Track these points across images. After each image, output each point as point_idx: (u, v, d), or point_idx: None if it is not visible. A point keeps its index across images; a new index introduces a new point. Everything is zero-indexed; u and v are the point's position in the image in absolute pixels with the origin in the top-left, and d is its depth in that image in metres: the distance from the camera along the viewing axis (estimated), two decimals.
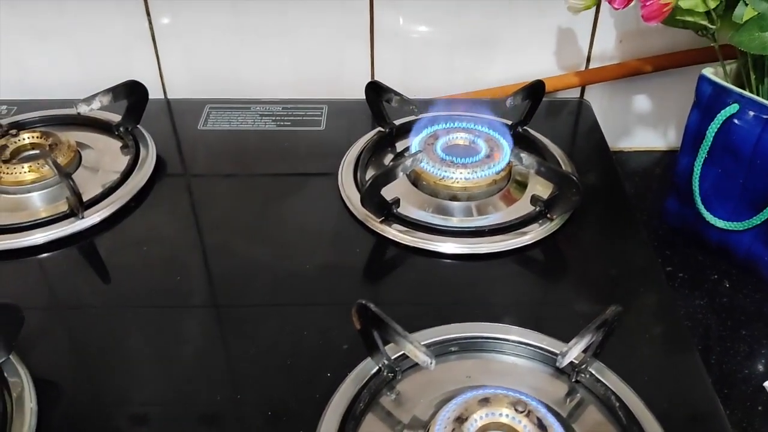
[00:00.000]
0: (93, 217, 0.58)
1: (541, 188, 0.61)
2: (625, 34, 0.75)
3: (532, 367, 0.47)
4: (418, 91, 0.72)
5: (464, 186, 0.60)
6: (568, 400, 0.45)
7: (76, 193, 0.57)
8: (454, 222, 0.58)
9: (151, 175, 0.63)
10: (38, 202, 0.60)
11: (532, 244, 0.56)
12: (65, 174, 0.58)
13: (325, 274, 0.54)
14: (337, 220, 0.59)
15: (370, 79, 0.71)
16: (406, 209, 0.59)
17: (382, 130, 0.68)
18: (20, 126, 0.68)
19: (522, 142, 0.66)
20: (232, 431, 0.43)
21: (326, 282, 0.54)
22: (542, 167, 0.59)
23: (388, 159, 0.67)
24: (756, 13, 0.53)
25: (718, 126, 0.57)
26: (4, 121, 0.69)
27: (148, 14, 0.74)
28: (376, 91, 0.68)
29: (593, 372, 0.45)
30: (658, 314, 0.52)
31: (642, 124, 0.81)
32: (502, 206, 0.60)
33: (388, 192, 0.58)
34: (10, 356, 0.45)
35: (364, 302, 0.43)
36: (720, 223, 0.60)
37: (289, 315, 0.51)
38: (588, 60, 0.77)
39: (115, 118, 0.69)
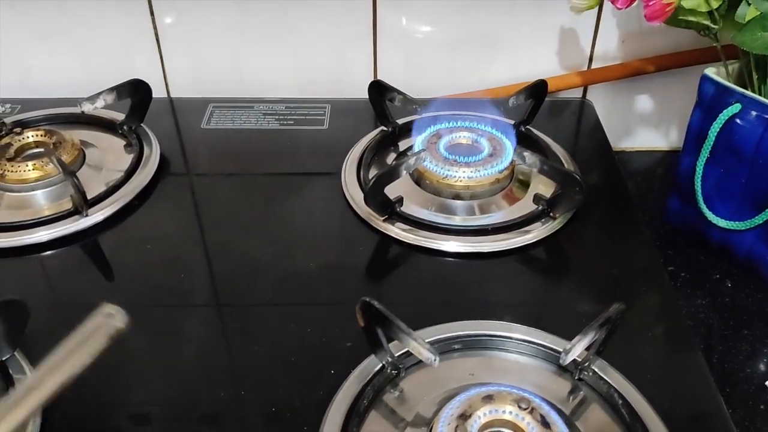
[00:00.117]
0: (97, 215, 0.58)
1: (544, 187, 0.61)
2: (628, 34, 0.75)
3: (535, 364, 0.47)
4: (421, 90, 0.72)
5: (467, 185, 0.60)
6: (571, 397, 0.45)
7: (81, 191, 0.57)
8: (457, 221, 0.58)
9: (155, 174, 0.63)
10: (42, 200, 0.60)
11: (534, 242, 0.57)
12: (69, 172, 0.58)
13: (329, 273, 0.54)
14: (340, 219, 0.60)
15: (373, 79, 0.71)
16: (409, 208, 0.59)
17: (385, 129, 0.69)
18: (24, 124, 0.68)
19: (524, 141, 0.66)
20: (236, 429, 0.43)
21: (329, 280, 0.54)
22: (545, 166, 0.59)
23: (390, 158, 0.67)
24: (759, 12, 0.54)
25: (721, 126, 0.57)
26: (9, 120, 0.69)
27: (152, 13, 0.74)
28: (379, 90, 0.68)
29: (596, 370, 0.45)
30: (660, 313, 0.52)
31: (644, 124, 0.81)
32: (505, 205, 0.60)
33: (391, 191, 0.58)
34: (15, 353, 0.46)
35: (368, 299, 0.43)
36: (722, 223, 0.60)
37: (292, 313, 0.51)
38: (590, 60, 0.77)
39: (119, 116, 0.69)
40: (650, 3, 0.55)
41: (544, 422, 0.39)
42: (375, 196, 0.57)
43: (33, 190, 0.60)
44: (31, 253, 0.56)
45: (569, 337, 0.44)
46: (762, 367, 0.55)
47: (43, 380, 0.40)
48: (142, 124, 0.69)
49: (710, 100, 0.58)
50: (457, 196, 0.60)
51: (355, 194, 0.61)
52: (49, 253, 0.56)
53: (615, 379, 0.45)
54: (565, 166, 0.64)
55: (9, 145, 0.63)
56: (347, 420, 0.42)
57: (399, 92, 0.68)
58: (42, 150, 0.64)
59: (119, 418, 0.44)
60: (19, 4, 0.73)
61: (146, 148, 0.66)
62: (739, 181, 0.58)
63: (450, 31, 0.75)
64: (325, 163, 0.66)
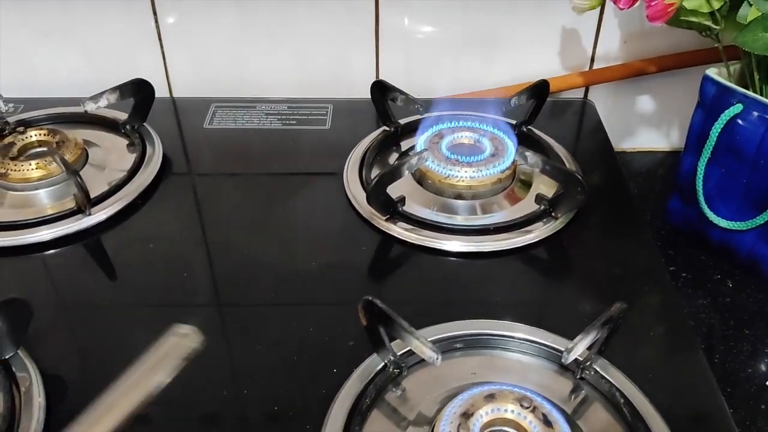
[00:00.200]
0: (99, 215, 0.58)
1: (546, 187, 0.61)
2: (630, 35, 0.75)
3: (537, 364, 0.47)
4: (423, 90, 0.72)
5: (469, 184, 0.60)
6: (572, 396, 0.45)
7: (84, 190, 0.57)
8: (459, 220, 0.59)
9: (158, 173, 0.64)
10: (45, 199, 0.60)
11: (536, 242, 0.57)
12: (73, 171, 0.58)
13: (331, 272, 0.55)
14: (343, 219, 0.60)
15: (375, 79, 0.71)
16: (412, 207, 0.59)
17: (387, 129, 0.69)
18: (27, 124, 0.68)
19: (526, 141, 0.67)
20: (238, 427, 0.44)
21: (331, 280, 0.54)
22: (547, 166, 0.59)
23: (393, 158, 0.67)
24: (760, 13, 0.54)
25: (722, 126, 0.57)
26: (12, 119, 0.69)
27: (155, 13, 0.74)
28: (381, 90, 0.68)
29: (598, 369, 0.45)
30: (662, 313, 0.52)
31: (645, 125, 0.82)
32: (507, 205, 0.60)
33: (393, 190, 0.58)
34: (18, 351, 0.46)
35: (370, 298, 0.43)
36: (723, 223, 0.61)
37: (294, 312, 0.51)
38: (592, 60, 0.77)
39: (122, 116, 0.69)
40: (652, 3, 0.56)
41: (546, 421, 0.39)
42: (377, 195, 0.57)
43: (36, 189, 0.60)
44: (34, 252, 0.56)
45: (571, 336, 0.44)
46: (763, 367, 0.55)
47: (121, 400, 0.40)
48: (144, 124, 0.69)
49: (712, 100, 0.58)
50: (459, 196, 0.60)
51: (357, 194, 0.61)
52: (52, 252, 0.56)
53: (616, 378, 0.45)
54: (567, 166, 0.64)
55: (12, 144, 0.63)
56: (349, 419, 0.42)
57: (401, 92, 0.68)
58: (45, 149, 0.64)
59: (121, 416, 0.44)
60: (23, 4, 0.74)
61: (149, 147, 0.66)
62: (740, 181, 0.58)
63: (452, 32, 0.75)
64: (328, 163, 0.66)
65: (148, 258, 0.56)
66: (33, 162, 0.60)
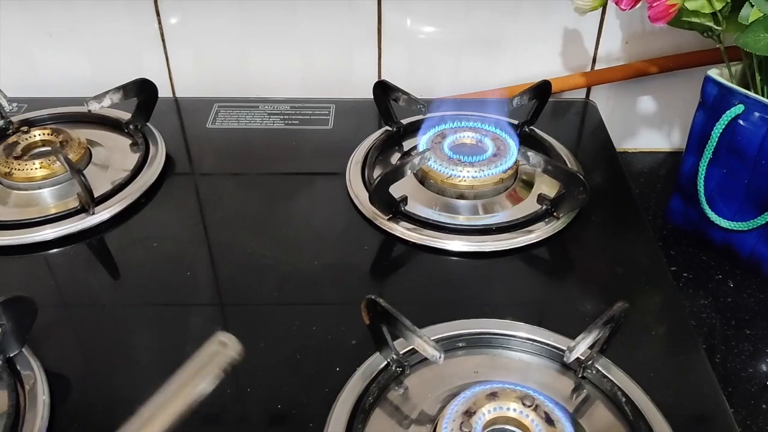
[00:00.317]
0: (103, 214, 0.58)
1: (547, 187, 0.61)
2: (631, 36, 0.75)
3: (539, 362, 0.47)
4: (425, 90, 0.72)
5: (471, 184, 0.60)
6: (574, 395, 0.45)
7: (88, 189, 0.57)
8: (461, 220, 0.59)
9: (161, 173, 0.64)
10: (48, 199, 0.61)
11: (538, 242, 0.57)
12: (77, 170, 0.58)
13: (333, 272, 0.55)
14: (345, 218, 0.60)
15: (377, 79, 0.71)
16: (414, 207, 0.59)
17: (390, 129, 0.69)
18: (31, 123, 0.68)
19: (528, 141, 0.67)
20: (241, 425, 0.44)
21: (334, 279, 0.54)
22: (549, 165, 0.59)
23: (395, 158, 0.67)
24: (762, 14, 0.54)
25: (723, 127, 0.57)
26: (16, 119, 0.69)
27: (158, 14, 0.74)
28: (383, 90, 0.68)
29: (600, 368, 0.45)
30: (663, 312, 0.52)
31: (647, 125, 0.82)
32: (509, 205, 0.61)
33: (395, 190, 0.58)
34: (23, 349, 0.46)
35: (373, 297, 0.43)
36: (724, 223, 0.61)
37: (297, 311, 0.51)
38: (594, 61, 0.77)
39: (125, 116, 0.69)
40: (654, 4, 0.56)
41: (548, 419, 0.40)
42: (380, 195, 0.57)
43: (40, 188, 0.61)
44: (38, 250, 0.56)
45: (573, 335, 0.44)
46: (764, 367, 0.55)
47: (162, 409, 0.41)
48: (148, 124, 0.69)
49: (713, 101, 0.59)
50: (461, 196, 0.60)
51: (359, 194, 0.61)
52: (55, 250, 0.57)
53: (618, 377, 0.45)
54: (569, 166, 0.64)
55: (16, 143, 0.63)
56: (352, 417, 0.42)
57: (403, 92, 0.68)
58: (49, 148, 0.64)
59: (124, 415, 0.44)
60: (27, 4, 0.74)
61: (152, 147, 0.67)
62: (741, 181, 0.58)
63: (454, 32, 0.76)
64: (330, 163, 0.66)
65: (151, 257, 0.56)
66: (37, 161, 0.61)
